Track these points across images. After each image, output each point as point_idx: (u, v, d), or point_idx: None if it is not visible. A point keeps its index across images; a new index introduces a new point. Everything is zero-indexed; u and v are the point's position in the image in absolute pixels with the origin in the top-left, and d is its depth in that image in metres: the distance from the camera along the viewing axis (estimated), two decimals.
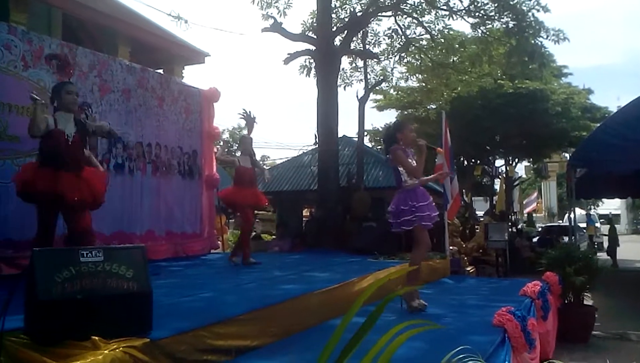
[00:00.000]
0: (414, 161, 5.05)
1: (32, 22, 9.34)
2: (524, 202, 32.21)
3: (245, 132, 8.23)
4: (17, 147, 5.86)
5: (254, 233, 12.06)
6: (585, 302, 7.69)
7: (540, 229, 21.95)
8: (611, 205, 51.88)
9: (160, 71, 12.18)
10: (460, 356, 2.02)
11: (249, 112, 7.74)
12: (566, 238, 14.13)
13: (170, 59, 12.78)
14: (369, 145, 21.40)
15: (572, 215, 11.16)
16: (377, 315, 1.25)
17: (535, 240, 18.20)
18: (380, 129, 23.06)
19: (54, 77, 6.39)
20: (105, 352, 2.63)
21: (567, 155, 24.99)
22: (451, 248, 9.19)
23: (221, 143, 7.93)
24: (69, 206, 4.54)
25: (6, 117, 5.86)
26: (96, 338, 2.72)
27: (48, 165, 4.52)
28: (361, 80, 15.75)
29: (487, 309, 4.79)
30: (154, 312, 3.13)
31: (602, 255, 17.62)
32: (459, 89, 18.47)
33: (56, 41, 6.87)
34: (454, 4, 13.95)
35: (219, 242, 10.19)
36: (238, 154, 8.01)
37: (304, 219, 16.45)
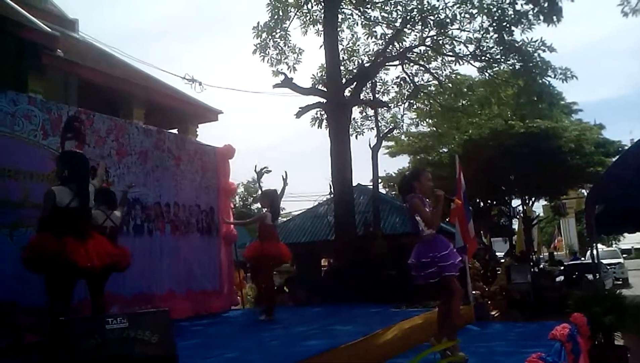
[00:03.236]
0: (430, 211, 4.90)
1: (49, 89, 9.65)
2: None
3: (263, 188, 8.25)
4: (39, 214, 5.94)
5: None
6: (616, 343, 7.48)
7: (562, 268, 21.56)
8: (633, 239, 50.96)
9: (175, 130, 12.45)
10: None
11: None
12: (590, 276, 13.84)
13: (184, 118, 13.08)
14: (383, 192, 21.43)
15: (594, 252, 10.96)
16: None
17: (559, 279, 17.84)
18: (394, 175, 23.14)
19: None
20: None
21: (584, 191, 24.82)
22: (474, 292, 9.03)
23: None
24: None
25: (28, 185, 5.98)
26: None
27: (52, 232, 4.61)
28: (372, 128, 15.94)
29: (517, 356, 4.70)
30: None
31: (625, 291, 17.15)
32: (470, 131, 18.61)
33: (73, 108, 7.05)
34: (460, 49, 14.23)
35: (238, 298, 10.13)
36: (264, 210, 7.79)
37: (322, 270, 16.36)
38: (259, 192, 8.29)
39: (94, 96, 10.47)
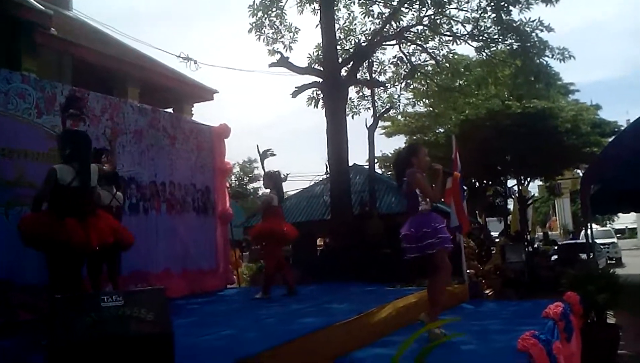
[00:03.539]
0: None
1: (42, 68, 9.57)
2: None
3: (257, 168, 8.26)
4: (34, 193, 5.94)
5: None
6: (608, 321, 7.55)
7: (556, 247, 21.72)
8: (627, 219, 51.18)
9: (170, 109, 12.40)
10: None
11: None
12: (584, 255, 13.94)
13: (179, 97, 13.01)
14: (379, 172, 21.44)
15: (589, 232, 11.01)
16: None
17: (553, 258, 17.98)
18: (390, 155, 23.13)
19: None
20: None
21: (579, 171, 24.87)
22: (468, 271, 9.09)
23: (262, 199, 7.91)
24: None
25: (22, 163, 5.96)
26: None
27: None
28: (369, 108, 15.88)
29: (510, 334, 4.72)
30: (176, 353, 3.11)
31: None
32: (467, 112, 18.54)
33: (68, 87, 7.00)
34: (457, 29, 14.13)
35: (234, 276, 10.19)
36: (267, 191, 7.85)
37: (318, 249, 16.41)
38: (254, 172, 8.22)
39: (88, 75, 10.39)
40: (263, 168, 8.03)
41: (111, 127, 7.27)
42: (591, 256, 10.26)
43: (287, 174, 8.20)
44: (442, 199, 11.65)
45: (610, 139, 16.35)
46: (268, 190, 7.72)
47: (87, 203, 4.79)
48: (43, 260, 5.77)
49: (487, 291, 9.54)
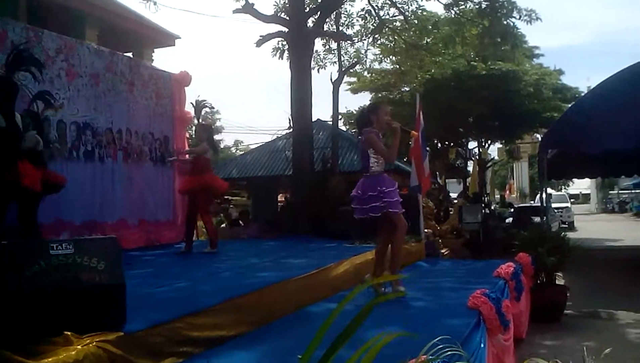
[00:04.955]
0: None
1: None
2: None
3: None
4: None
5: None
6: (557, 282, 7.81)
7: (512, 210, 22.27)
8: (581, 185, 52.86)
9: (130, 54, 11.96)
10: (440, 346, 2.01)
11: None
12: (538, 219, 14.33)
13: (139, 42, 12.57)
14: (343, 128, 21.41)
15: (543, 196, 11.27)
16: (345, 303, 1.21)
17: (508, 220, 18.45)
18: (355, 112, 23.06)
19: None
20: (79, 347, 2.56)
21: (538, 136, 25.32)
22: (426, 230, 9.25)
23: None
24: None
25: None
26: (69, 333, 2.64)
27: None
28: (335, 62, 15.72)
29: (462, 292, 4.82)
30: (128, 304, 3.05)
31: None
32: (433, 71, 18.55)
33: (21, 25, 6.65)
34: None
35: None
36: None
37: (279, 204, 16.42)
38: (216, 124, 8.07)
39: (45, 14, 9.88)
40: (198, 119, 7.94)
41: (66, 70, 6.98)
42: (544, 220, 10.53)
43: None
44: (405, 159, 11.72)
45: (570, 105, 16.63)
46: (202, 142, 7.50)
47: (16, 146, 4.73)
48: None
49: (443, 251, 9.73)
